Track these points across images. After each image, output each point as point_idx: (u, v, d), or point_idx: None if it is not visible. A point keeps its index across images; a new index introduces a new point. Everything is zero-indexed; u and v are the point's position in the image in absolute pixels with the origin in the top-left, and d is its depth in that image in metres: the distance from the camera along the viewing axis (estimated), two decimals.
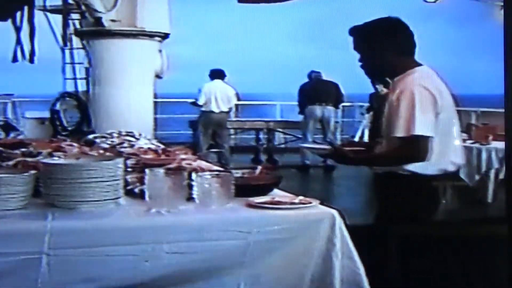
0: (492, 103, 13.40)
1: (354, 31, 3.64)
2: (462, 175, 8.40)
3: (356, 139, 13.69)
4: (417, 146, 3.37)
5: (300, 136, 11.78)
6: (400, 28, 3.60)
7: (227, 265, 2.77)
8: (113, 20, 7.72)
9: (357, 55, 3.68)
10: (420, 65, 3.57)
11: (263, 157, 11.78)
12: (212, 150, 11.03)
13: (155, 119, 8.59)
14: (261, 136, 12.05)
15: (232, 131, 13.04)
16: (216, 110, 10.49)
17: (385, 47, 3.54)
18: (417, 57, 3.64)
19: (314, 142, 7.09)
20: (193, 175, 2.87)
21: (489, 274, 3.36)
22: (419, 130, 3.32)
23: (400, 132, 3.35)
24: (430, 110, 3.35)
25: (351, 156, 3.59)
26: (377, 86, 10.58)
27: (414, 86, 3.38)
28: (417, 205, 3.57)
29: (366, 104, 14.19)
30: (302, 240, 2.86)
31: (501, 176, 8.69)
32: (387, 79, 3.75)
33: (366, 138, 13.06)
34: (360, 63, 3.63)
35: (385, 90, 9.59)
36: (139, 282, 2.66)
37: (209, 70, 10.69)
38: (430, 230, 3.70)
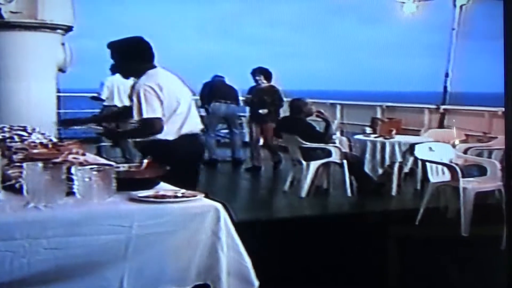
0: (397, 99, 13.79)
1: (109, 46, 5.10)
2: (366, 168, 8.59)
3: None
4: (148, 124, 4.75)
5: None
6: (139, 44, 5.03)
7: (108, 259, 2.75)
8: (13, 12, 7.50)
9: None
10: (154, 67, 4.95)
11: None
12: (115, 145, 10.82)
13: (59, 114, 8.39)
14: None
15: None
16: (119, 104, 10.31)
17: (128, 57, 4.98)
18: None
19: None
20: (73, 169, 2.83)
21: None
22: (145, 114, 4.71)
23: (137, 116, 4.76)
24: (154, 100, 4.73)
25: (117, 132, 5.86)
26: (257, 78, 10.65)
27: (141, 86, 4.79)
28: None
29: None
30: (185, 233, 2.88)
31: (406, 169, 8.88)
32: None
33: None
34: (110, 69, 5.33)
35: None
36: (17, 278, 2.61)
37: (110, 64, 10.40)
38: None
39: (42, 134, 4.69)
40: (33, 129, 4.77)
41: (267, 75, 10.78)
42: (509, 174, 2.56)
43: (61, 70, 8.00)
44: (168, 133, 4.84)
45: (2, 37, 7.58)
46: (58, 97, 8.36)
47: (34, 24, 7.55)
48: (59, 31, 7.83)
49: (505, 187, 2.65)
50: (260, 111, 10.66)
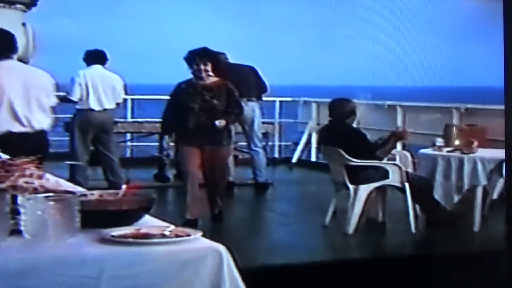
0: (480, 98, 13.67)
1: None
2: (436, 195, 8.48)
3: (301, 145, 13.80)
4: None
5: None
6: None
7: None
8: None
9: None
10: (8, 59, 6.45)
11: (171, 172, 11.50)
12: (94, 163, 10.71)
13: None
14: (165, 143, 11.66)
15: (129, 136, 12.88)
16: (97, 107, 10.02)
17: None
18: None
19: None
20: (19, 199, 2.80)
21: None
22: None
23: None
24: None
25: None
26: (200, 68, 8.37)
27: None
28: None
29: (313, 99, 14.37)
30: (175, 286, 2.86)
31: (494, 196, 8.61)
32: None
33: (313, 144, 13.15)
34: None
35: None
36: None
37: (84, 52, 10.12)
38: None
39: None
40: None
41: (217, 63, 8.76)
42: (509, 174, 2.58)
43: (21, 60, 8.05)
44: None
45: None
46: None
47: None
48: (18, 6, 7.89)
49: (506, 187, 2.71)
50: (217, 122, 8.42)
